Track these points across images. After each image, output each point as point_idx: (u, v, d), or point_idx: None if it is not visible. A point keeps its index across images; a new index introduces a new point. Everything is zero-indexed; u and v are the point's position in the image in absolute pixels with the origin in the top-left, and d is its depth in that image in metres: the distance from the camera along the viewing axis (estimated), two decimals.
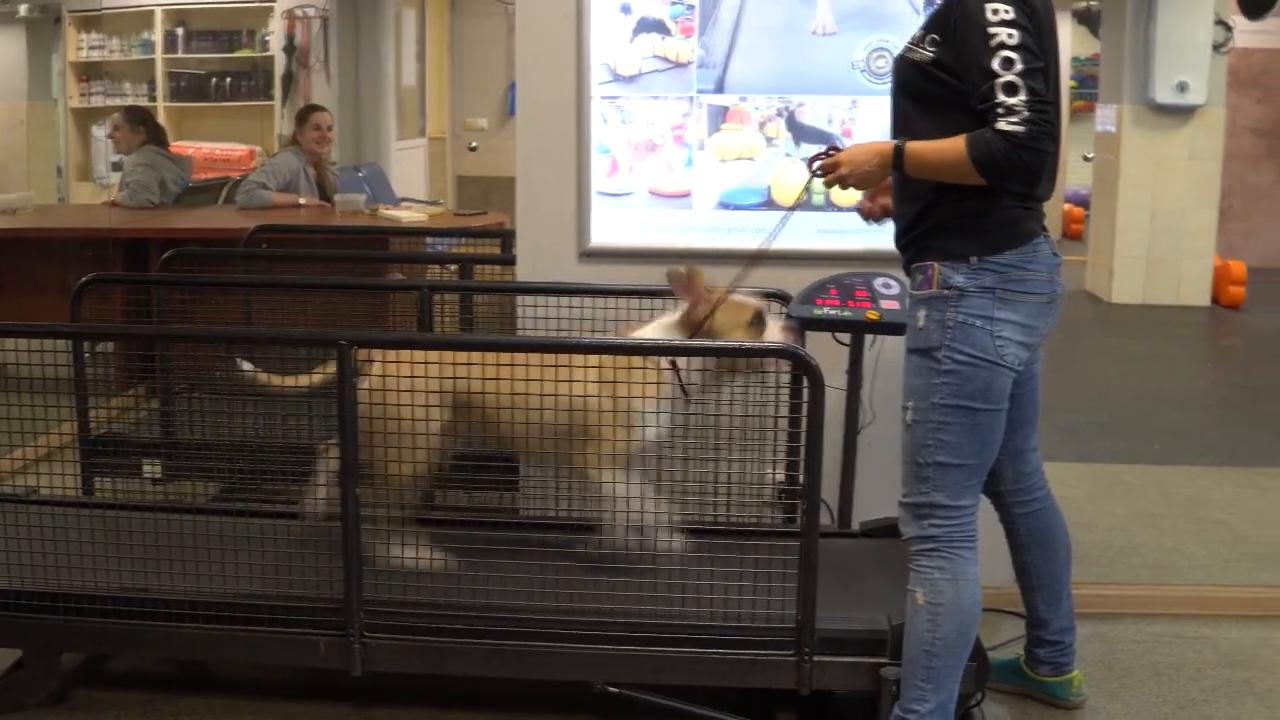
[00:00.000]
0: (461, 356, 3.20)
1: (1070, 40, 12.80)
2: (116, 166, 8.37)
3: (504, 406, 3.25)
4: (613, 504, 3.24)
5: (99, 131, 9.99)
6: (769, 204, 4.00)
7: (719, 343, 3.27)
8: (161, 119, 9.01)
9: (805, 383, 3.02)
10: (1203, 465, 5.68)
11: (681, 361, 3.26)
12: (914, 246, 2.93)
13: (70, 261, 6.08)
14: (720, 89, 3.98)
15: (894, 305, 3.45)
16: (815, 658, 3.03)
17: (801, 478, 3.06)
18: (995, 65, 2.64)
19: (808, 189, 3.27)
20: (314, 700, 3.42)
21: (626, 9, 3.94)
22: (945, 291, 2.82)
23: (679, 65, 3.98)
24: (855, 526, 3.74)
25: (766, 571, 3.03)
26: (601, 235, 4.04)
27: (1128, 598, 4.15)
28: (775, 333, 3.34)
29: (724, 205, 4.04)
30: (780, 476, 3.58)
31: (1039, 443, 3.27)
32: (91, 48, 10.35)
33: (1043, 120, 2.63)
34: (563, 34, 3.92)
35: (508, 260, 4.73)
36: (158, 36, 10.19)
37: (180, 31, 10.25)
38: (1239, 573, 4.43)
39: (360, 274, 5.50)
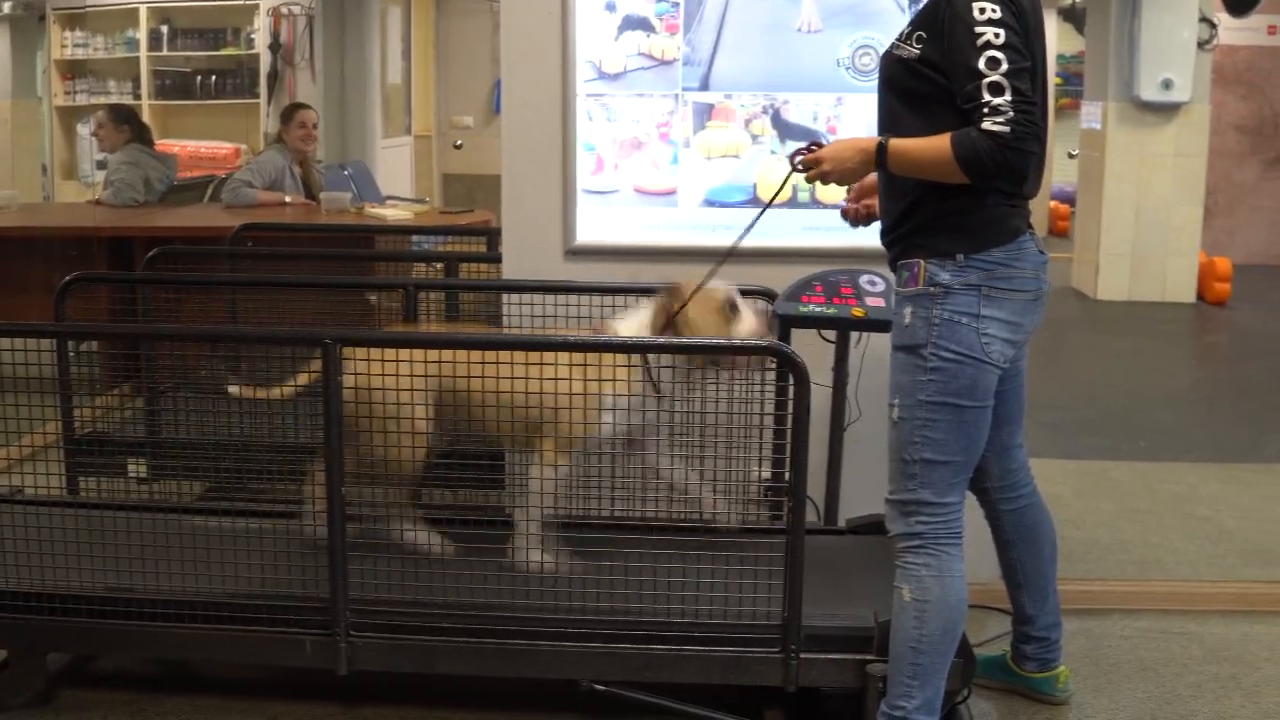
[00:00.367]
0: (446, 355, 3.20)
1: (1055, 37, 12.75)
2: (101, 165, 8.34)
3: (476, 404, 3.26)
4: (537, 497, 3.26)
5: (84, 130, 9.97)
6: (754, 201, 4.00)
7: (702, 340, 3.28)
8: (146, 117, 8.99)
9: (791, 380, 3.02)
10: (1188, 461, 5.69)
11: (652, 357, 3.26)
12: (900, 244, 2.93)
13: (55, 260, 6.06)
14: (705, 86, 3.98)
15: (879, 302, 3.45)
16: (802, 655, 3.03)
17: (787, 475, 3.07)
18: (981, 64, 2.64)
19: (789, 184, 3.26)
20: (300, 700, 3.41)
21: (611, 6, 3.94)
22: (931, 289, 2.82)
23: (664, 63, 3.97)
24: (841, 524, 3.75)
25: (753, 569, 3.03)
26: (587, 233, 4.04)
27: (1114, 593, 4.17)
28: (749, 319, 3.35)
29: (709, 203, 4.04)
30: (766, 474, 3.59)
31: (1025, 439, 3.28)
32: (76, 45, 10.34)
33: (1027, 120, 2.63)
34: (548, 32, 3.92)
35: (493, 258, 4.73)
36: (142, 34, 10.18)
37: (165, 29, 10.24)
38: (1224, 568, 4.45)
39: (346, 272, 5.48)
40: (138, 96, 10.15)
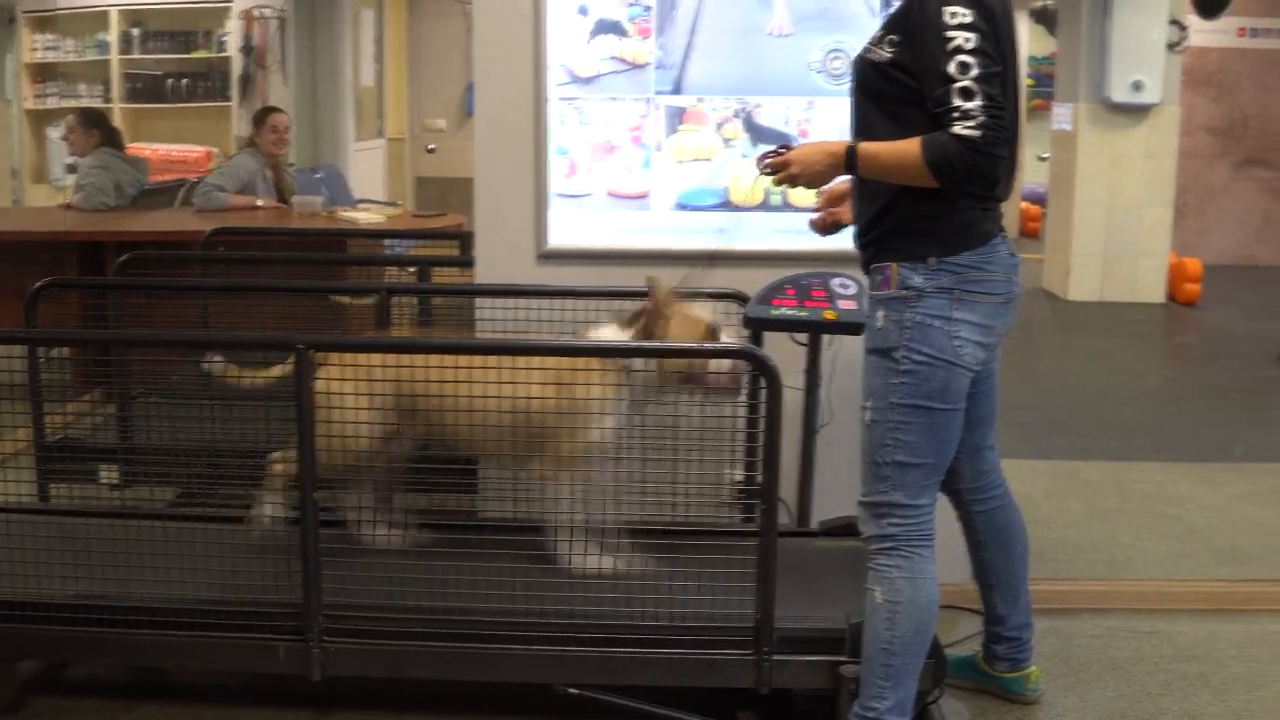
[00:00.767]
0: (419, 360, 3.20)
1: (1027, 39, 12.77)
2: (71, 169, 8.31)
3: (448, 410, 3.26)
4: (556, 508, 3.26)
5: (54, 133, 9.91)
6: (726, 205, 4.01)
7: (674, 344, 3.28)
8: (117, 120, 8.95)
9: (763, 383, 3.03)
10: (1158, 461, 5.72)
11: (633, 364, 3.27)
12: (873, 247, 2.94)
13: (25, 265, 6.01)
14: (678, 90, 3.99)
15: (851, 305, 3.45)
16: (774, 656, 3.04)
17: (760, 477, 3.08)
18: (951, 69, 2.65)
19: (760, 187, 3.25)
20: (274, 706, 3.40)
21: (584, 10, 3.94)
22: (904, 292, 2.83)
23: (636, 66, 3.98)
24: (814, 525, 3.76)
25: (725, 571, 3.04)
26: (560, 237, 4.03)
27: (1084, 593, 4.19)
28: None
29: (681, 206, 4.04)
30: (739, 476, 3.60)
31: (996, 440, 3.29)
32: (46, 48, 10.26)
33: (997, 125, 2.64)
34: (520, 35, 3.92)
35: (466, 262, 4.72)
36: (113, 37, 10.12)
37: (136, 32, 10.18)
38: (1194, 567, 4.48)
39: (318, 277, 5.46)
40: (108, 100, 10.08)
